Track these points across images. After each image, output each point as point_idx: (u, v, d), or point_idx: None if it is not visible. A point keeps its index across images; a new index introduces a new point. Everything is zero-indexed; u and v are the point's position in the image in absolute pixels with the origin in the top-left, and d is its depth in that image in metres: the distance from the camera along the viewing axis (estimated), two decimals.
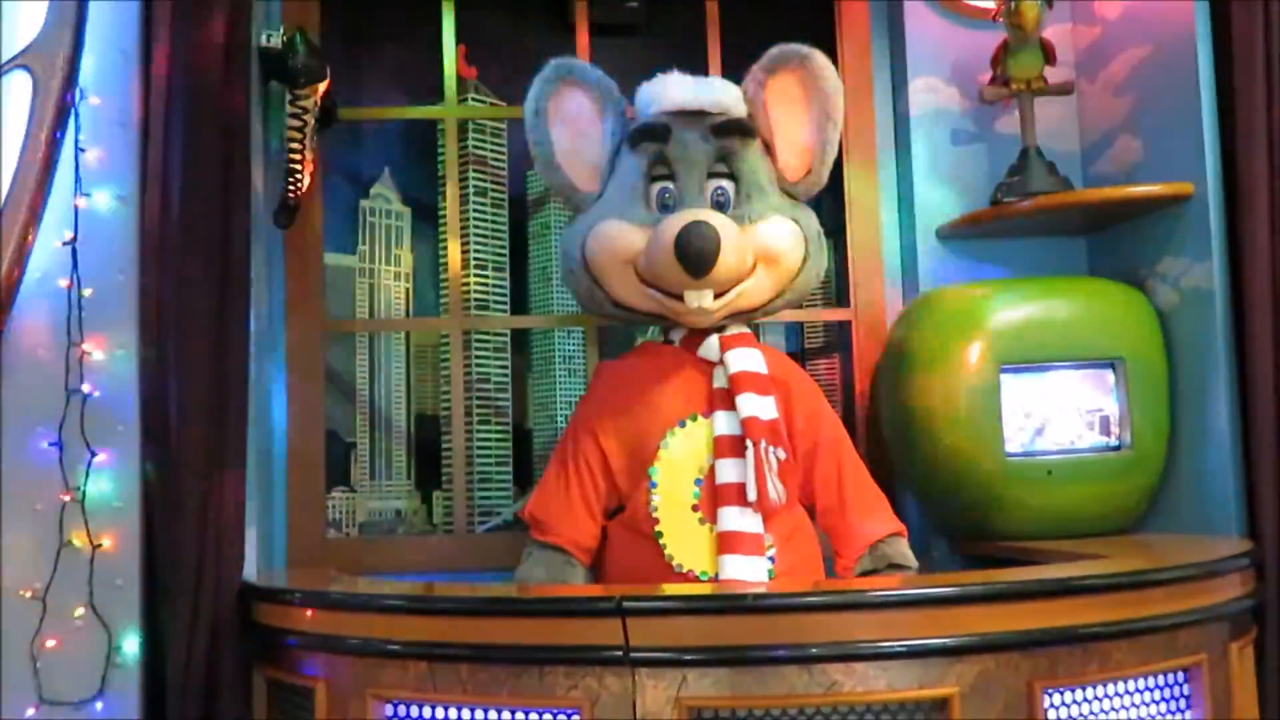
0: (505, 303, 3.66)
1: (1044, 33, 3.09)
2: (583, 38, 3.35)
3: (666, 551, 2.53)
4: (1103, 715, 2.11)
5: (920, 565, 2.73)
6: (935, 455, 2.88)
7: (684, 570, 2.52)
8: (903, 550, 2.69)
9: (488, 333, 3.60)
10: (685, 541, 2.53)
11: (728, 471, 2.53)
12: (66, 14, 2.37)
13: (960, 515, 2.97)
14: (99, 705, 2.34)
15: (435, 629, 2.16)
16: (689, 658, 1.98)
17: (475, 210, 3.60)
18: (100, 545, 2.35)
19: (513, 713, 2.06)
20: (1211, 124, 2.79)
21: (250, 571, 2.57)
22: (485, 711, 2.08)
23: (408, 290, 3.71)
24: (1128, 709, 2.13)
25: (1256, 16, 2.69)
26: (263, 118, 2.88)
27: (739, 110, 2.72)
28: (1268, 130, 2.67)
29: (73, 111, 2.39)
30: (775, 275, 2.64)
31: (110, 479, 2.38)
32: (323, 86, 2.86)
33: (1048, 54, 3.10)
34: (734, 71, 2.86)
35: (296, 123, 2.81)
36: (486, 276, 3.62)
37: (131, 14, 2.47)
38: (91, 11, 2.41)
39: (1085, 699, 2.09)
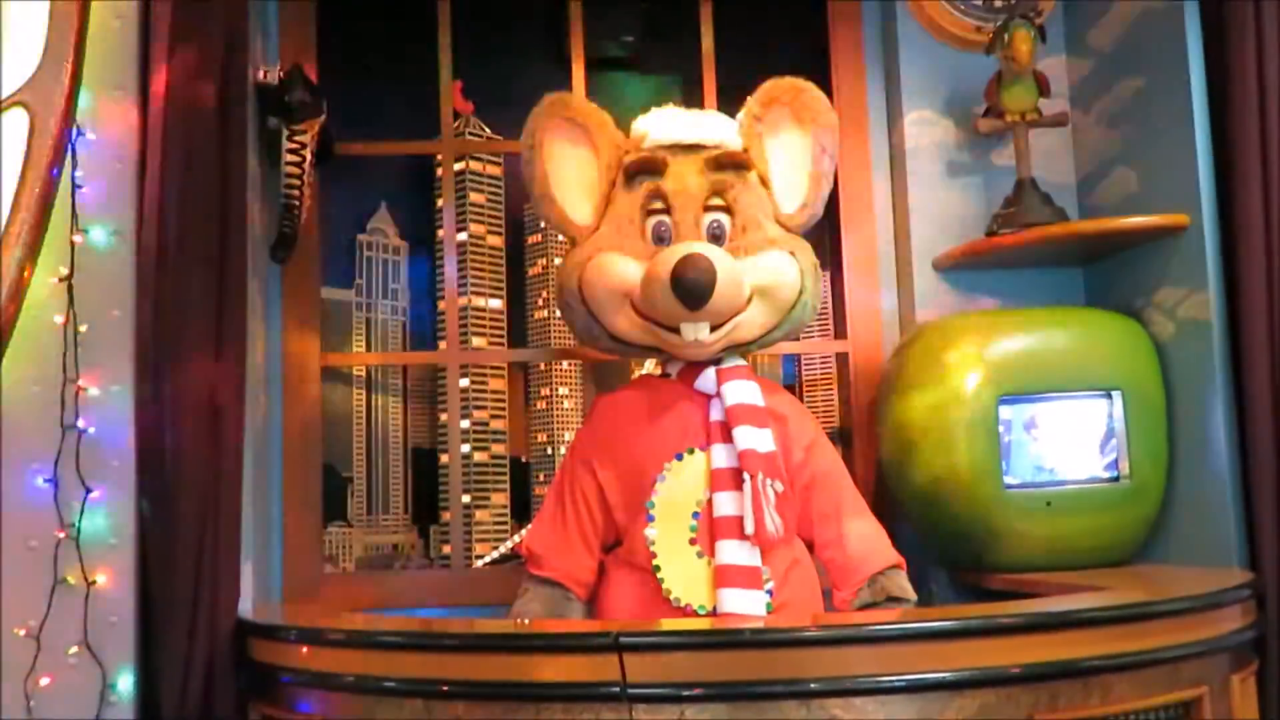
0: (502, 336, 3.66)
1: (1037, 65, 3.10)
2: (579, 72, 3.36)
3: (664, 585, 2.52)
4: None
5: (919, 598, 2.72)
6: (934, 487, 2.87)
7: (682, 604, 2.51)
8: (902, 583, 2.69)
9: (485, 366, 3.60)
10: (683, 575, 2.52)
11: (725, 504, 2.52)
12: (63, 51, 2.38)
13: (959, 547, 2.96)
14: None
15: (432, 666, 2.15)
16: (687, 693, 1.96)
17: (472, 244, 3.61)
18: (95, 582, 2.34)
19: None
20: (1206, 155, 2.80)
21: (246, 607, 2.56)
22: None
23: (404, 324, 3.71)
24: None
25: (1249, 47, 2.70)
26: (260, 153, 2.88)
27: (734, 143, 2.73)
28: (1262, 160, 2.67)
29: (70, 148, 2.39)
30: (772, 308, 2.64)
31: (105, 515, 2.37)
32: (320, 122, 2.87)
33: (1041, 86, 3.11)
34: (729, 105, 2.88)
35: (294, 158, 2.82)
36: (483, 310, 3.62)
37: (129, 50, 2.47)
38: (88, 48, 2.41)
39: None
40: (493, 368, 3.62)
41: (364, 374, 3.62)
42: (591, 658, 2.01)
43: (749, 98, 2.79)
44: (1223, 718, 2.25)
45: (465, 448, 3.46)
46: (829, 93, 2.83)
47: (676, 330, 2.55)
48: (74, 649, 2.32)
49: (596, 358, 3.28)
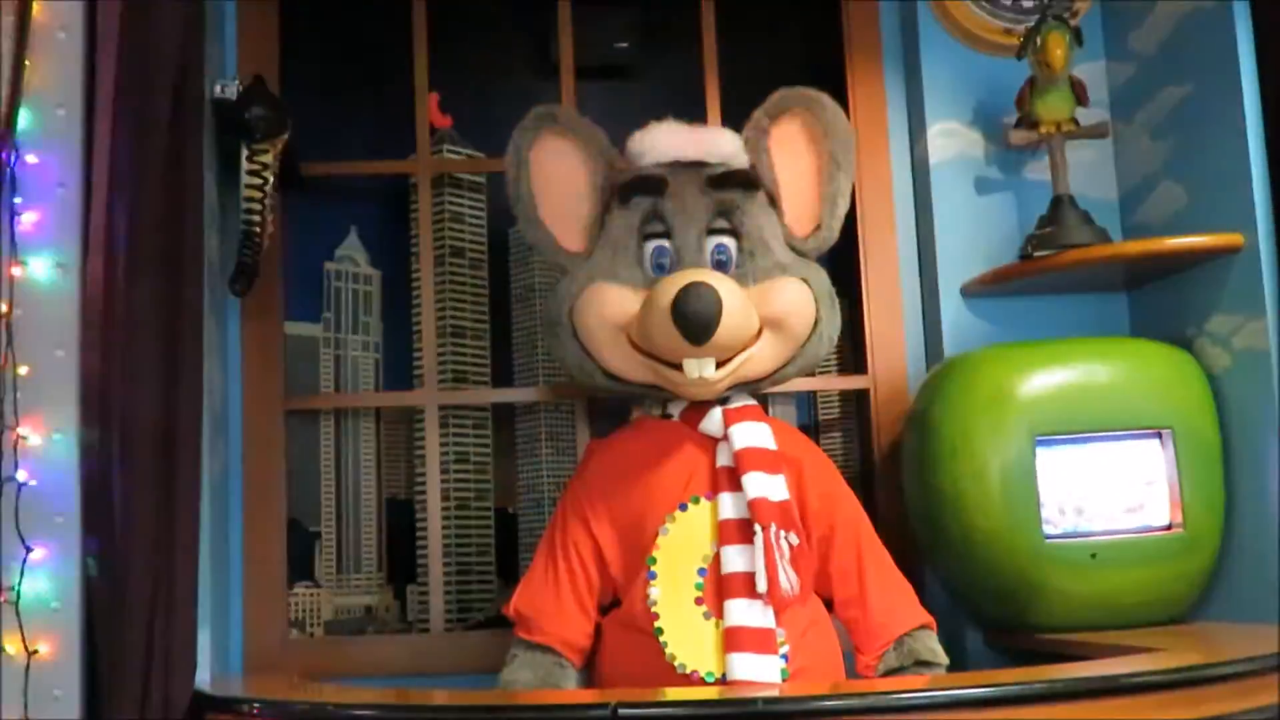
0: (486, 375, 3.67)
1: (1074, 70, 3.13)
2: (568, 81, 3.40)
3: (668, 650, 2.53)
4: None
5: (951, 662, 2.73)
6: (966, 538, 2.88)
7: (687, 671, 2.51)
8: (931, 645, 2.70)
9: (466, 408, 3.61)
10: (688, 639, 2.53)
11: (734, 560, 2.53)
12: (1, 67, 2.41)
13: (995, 605, 2.97)
14: None
15: None
16: None
17: (452, 272, 3.63)
18: (36, 652, 2.34)
19: None
20: (1261, 169, 2.82)
21: (204, 678, 2.57)
22: None
23: (378, 362, 3.72)
24: None
25: None
26: (217, 175, 2.91)
27: (740, 160, 2.76)
28: None
29: (8, 172, 2.41)
30: (783, 340, 2.66)
31: (47, 577, 2.36)
32: (283, 140, 2.89)
33: (1079, 94, 3.14)
34: (735, 118, 2.90)
35: (255, 180, 2.84)
36: (464, 345, 3.64)
37: (74, 66, 2.50)
38: (29, 64, 2.44)
39: None
40: (475, 409, 3.63)
41: (332, 418, 3.63)
42: None
43: (756, 109, 2.81)
44: None
45: (445, 498, 3.47)
46: (844, 103, 2.86)
47: (679, 367, 2.57)
48: None
49: (590, 397, 3.30)
